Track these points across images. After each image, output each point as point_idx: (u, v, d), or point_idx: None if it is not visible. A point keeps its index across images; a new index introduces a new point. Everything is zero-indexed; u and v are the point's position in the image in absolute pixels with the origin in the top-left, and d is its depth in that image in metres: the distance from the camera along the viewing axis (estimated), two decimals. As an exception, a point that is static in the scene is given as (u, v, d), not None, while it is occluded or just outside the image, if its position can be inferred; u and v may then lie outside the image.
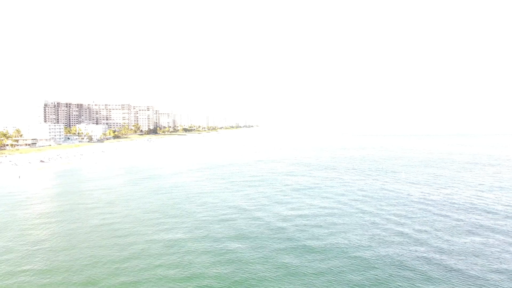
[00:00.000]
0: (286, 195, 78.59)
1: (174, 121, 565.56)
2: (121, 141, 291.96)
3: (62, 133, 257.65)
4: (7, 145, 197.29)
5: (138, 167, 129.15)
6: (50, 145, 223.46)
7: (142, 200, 74.53)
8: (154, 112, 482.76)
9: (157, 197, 78.05)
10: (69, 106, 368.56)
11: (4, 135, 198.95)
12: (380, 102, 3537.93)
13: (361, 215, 60.86)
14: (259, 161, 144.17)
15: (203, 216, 61.23)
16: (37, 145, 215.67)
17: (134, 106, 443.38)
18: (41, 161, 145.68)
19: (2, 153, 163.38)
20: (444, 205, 67.66)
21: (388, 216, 59.74)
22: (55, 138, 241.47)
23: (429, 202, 69.82)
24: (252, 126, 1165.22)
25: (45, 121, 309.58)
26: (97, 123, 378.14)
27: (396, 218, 58.53)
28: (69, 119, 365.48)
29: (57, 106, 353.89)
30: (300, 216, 61.09)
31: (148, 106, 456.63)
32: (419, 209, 64.54)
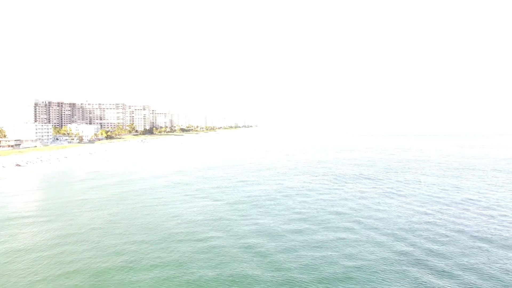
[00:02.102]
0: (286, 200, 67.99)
1: (171, 121, 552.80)
2: (113, 142, 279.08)
3: (50, 134, 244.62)
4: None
5: (118, 171, 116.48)
6: (36, 146, 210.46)
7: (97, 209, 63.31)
8: (151, 111, 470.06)
9: (124, 204, 67.72)
10: (61, 106, 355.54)
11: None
12: (381, 102, 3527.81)
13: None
14: (255, 164, 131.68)
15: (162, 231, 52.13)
16: (21, 146, 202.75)
17: (129, 106, 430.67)
18: (17, 165, 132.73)
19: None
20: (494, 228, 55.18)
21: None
22: (42, 139, 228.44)
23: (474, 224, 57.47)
24: (251, 126, 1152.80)
25: (35, 121, 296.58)
26: (90, 123, 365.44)
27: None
28: (61, 119, 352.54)
29: (49, 105, 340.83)
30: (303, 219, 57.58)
31: (144, 106, 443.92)
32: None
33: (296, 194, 79.55)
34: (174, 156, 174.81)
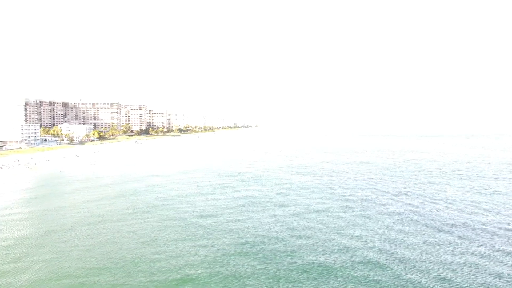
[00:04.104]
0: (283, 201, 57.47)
1: (169, 121, 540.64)
2: (106, 143, 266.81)
3: (37, 134, 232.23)
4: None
5: (102, 175, 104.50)
6: (21, 148, 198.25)
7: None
8: (147, 111, 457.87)
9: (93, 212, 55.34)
10: (53, 105, 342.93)
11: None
12: (382, 101, 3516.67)
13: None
14: (253, 165, 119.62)
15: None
16: (4, 148, 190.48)
17: (125, 105, 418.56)
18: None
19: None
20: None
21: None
22: (28, 140, 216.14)
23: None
24: (250, 126, 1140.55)
25: (26, 121, 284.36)
26: (84, 123, 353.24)
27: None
28: (53, 119, 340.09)
29: (40, 104, 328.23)
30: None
31: (140, 105, 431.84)
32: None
33: (295, 195, 76.82)
34: (164, 159, 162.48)
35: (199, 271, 39.98)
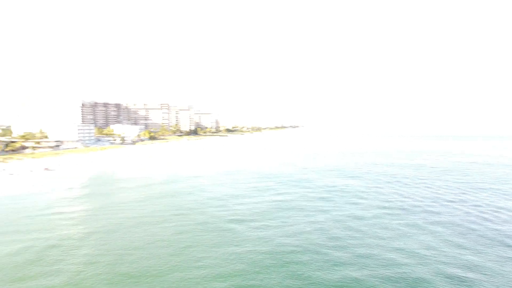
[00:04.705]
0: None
1: (216, 122, 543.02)
2: (155, 143, 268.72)
3: (92, 134, 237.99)
4: (28, 147, 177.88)
5: (147, 176, 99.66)
6: (76, 147, 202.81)
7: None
8: (196, 112, 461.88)
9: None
10: (107, 106, 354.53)
11: (23, 136, 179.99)
12: (427, 101, 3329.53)
13: None
14: (297, 167, 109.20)
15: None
16: (61, 147, 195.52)
17: (174, 106, 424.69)
18: (46, 169, 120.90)
19: (10, 158, 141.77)
20: None
21: None
22: (84, 140, 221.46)
23: None
24: (297, 127, 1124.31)
25: (82, 122, 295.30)
26: (135, 124, 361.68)
27: None
28: (107, 120, 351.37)
29: (95, 106, 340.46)
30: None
31: (189, 106, 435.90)
32: None
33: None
34: (208, 159, 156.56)
35: (232, 283, 36.62)
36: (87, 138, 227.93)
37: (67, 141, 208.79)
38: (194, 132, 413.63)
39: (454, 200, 70.81)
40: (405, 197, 73.52)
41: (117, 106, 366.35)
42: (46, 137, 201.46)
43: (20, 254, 44.04)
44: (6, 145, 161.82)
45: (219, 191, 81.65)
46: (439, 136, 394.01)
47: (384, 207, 65.14)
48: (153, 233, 51.78)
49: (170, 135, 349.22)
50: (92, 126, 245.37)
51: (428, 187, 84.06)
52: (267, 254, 43.30)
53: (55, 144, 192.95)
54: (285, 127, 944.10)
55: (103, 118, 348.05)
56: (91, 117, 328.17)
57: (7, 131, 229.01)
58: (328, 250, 44.13)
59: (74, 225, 56.03)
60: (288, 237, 49.35)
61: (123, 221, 58.09)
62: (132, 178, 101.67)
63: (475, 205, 65.87)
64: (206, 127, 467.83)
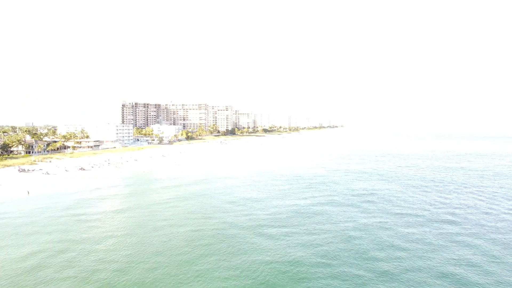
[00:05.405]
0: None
1: (254, 122, 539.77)
2: (192, 143, 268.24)
3: (131, 134, 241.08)
4: (69, 147, 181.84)
5: (179, 176, 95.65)
6: (115, 147, 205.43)
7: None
8: (233, 112, 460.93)
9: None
10: (147, 107, 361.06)
11: (64, 136, 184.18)
12: (438, 100, 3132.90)
13: None
14: (335, 167, 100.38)
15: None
16: (100, 147, 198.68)
17: (212, 106, 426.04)
18: (82, 168, 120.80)
19: (49, 157, 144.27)
20: None
21: None
22: (122, 140, 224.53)
23: None
24: (336, 127, 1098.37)
25: (122, 122, 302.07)
26: (174, 124, 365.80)
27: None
28: (147, 120, 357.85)
29: (135, 106, 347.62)
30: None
31: (226, 106, 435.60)
32: None
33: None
34: (243, 159, 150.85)
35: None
36: (125, 138, 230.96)
37: (106, 141, 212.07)
38: (231, 132, 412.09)
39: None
40: (442, 197, 67.89)
41: (157, 106, 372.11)
42: (87, 137, 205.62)
43: (27, 258, 42.75)
44: (47, 145, 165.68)
45: (247, 194, 78.14)
46: (475, 137, 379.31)
47: (419, 216, 59.67)
48: (169, 238, 49.79)
49: (207, 135, 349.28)
50: (131, 126, 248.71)
51: (480, 195, 75.28)
52: (308, 260, 40.87)
53: (94, 144, 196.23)
54: (323, 127, 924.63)
55: (143, 118, 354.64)
56: (132, 117, 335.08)
57: (52, 131, 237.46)
58: (351, 269, 39.00)
59: (90, 228, 54.26)
60: (307, 248, 45.04)
61: (150, 222, 57.28)
62: (161, 179, 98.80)
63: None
64: (244, 127, 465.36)
